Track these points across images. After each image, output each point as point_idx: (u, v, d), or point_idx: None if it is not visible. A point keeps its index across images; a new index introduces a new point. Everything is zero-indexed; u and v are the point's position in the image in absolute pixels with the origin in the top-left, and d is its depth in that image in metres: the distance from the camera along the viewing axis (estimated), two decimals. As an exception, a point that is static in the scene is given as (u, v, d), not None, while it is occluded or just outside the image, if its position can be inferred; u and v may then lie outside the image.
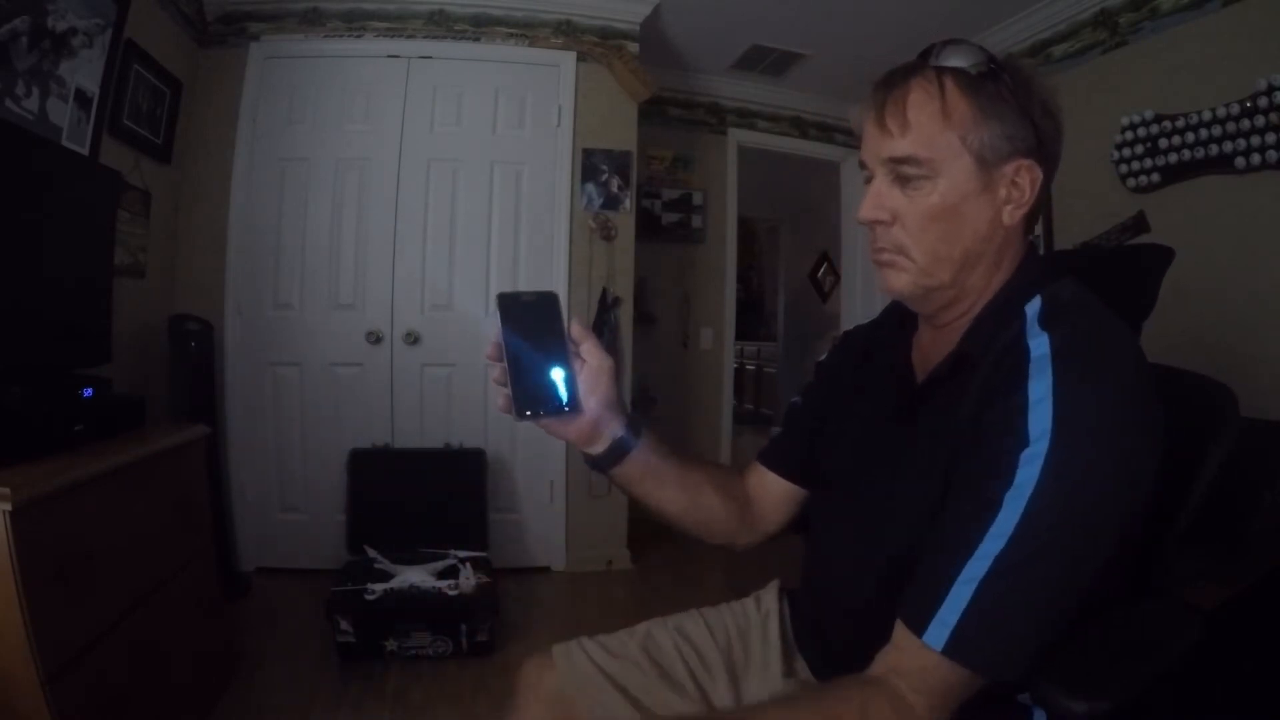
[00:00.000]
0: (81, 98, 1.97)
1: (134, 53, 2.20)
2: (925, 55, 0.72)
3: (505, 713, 0.90)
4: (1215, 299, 2.16)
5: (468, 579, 2.15)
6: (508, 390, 0.65)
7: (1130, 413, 0.59)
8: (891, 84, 0.71)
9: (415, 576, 2.16)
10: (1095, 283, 0.70)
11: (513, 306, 0.66)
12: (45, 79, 1.82)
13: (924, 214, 0.69)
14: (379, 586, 2.08)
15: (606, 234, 2.89)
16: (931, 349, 0.77)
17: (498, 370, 0.66)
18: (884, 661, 0.60)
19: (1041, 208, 0.73)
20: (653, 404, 3.64)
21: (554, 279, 2.84)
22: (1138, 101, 2.41)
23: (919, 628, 0.58)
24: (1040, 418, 0.58)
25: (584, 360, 0.67)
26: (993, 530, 0.57)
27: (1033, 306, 0.67)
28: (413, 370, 2.77)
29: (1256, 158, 2.04)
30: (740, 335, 4.47)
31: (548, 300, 0.67)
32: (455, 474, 2.65)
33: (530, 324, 0.66)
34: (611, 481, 0.80)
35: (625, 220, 2.92)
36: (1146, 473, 0.60)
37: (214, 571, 1.82)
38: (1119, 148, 2.47)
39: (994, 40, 2.93)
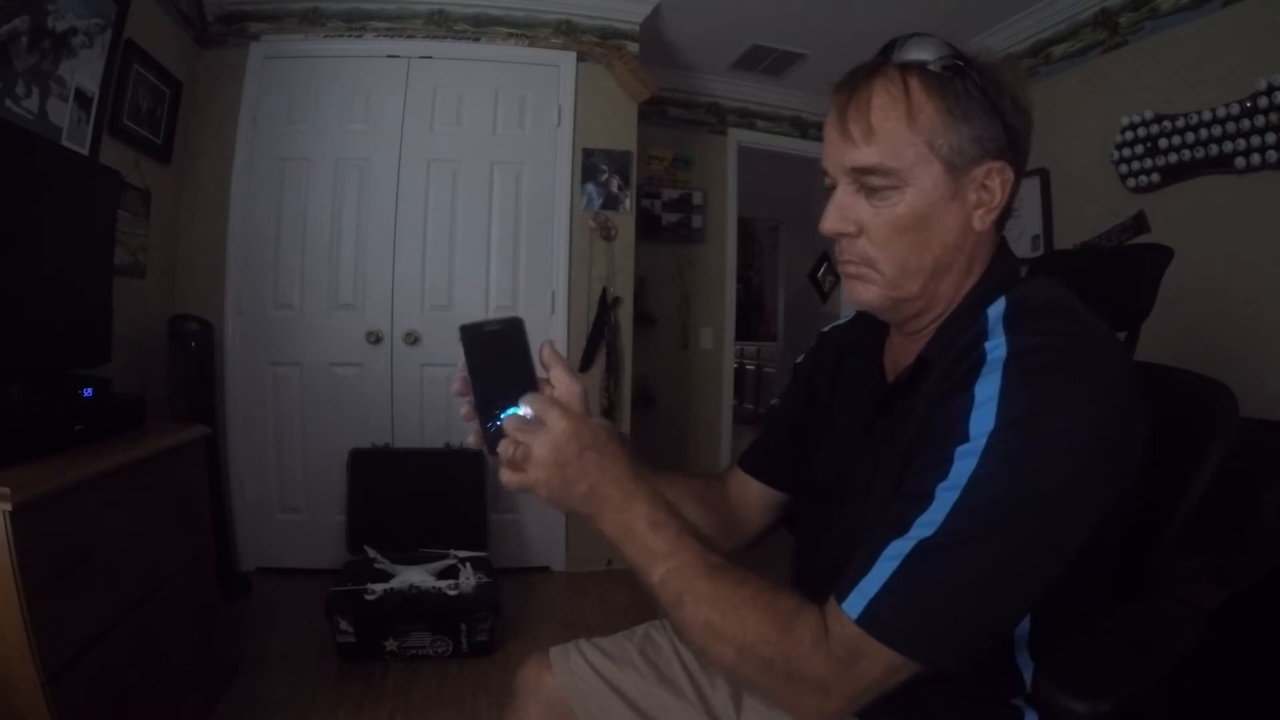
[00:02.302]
0: (81, 98, 1.97)
1: (134, 53, 2.20)
2: (887, 51, 0.68)
3: (504, 713, 0.90)
4: (1215, 299, 2.16)
5: (468, 579, 2.15)
6: (478, 426, 0.63)
7: (1085, 418, 0.57)
8: (853, 85, 0.67)
9: (415, 576, 2.16)
10: (1094, 283, 0.70)
11: (477, 338, 0.63)
12: (45, 79, 1.82)
13: (891, 225, 0.67)
14: (379, 586, 2.08)
15: (606, 234, 2.89)
16: (901, 355, 0.76)
17: (466, 405, 0.64)
18: (825, 607, 0.60)
19: (1011, 206, 0.70)
20: (653, 404, 3.64)
21: (554, 279, 2.84)
22: (1138, 101, 2.41)
23: (841, 595, 0.58)
24: (983, 417, 0.57)
25: (554, 387, 0.65)
26: (922, 519, 0.56)
27: (995, 309, 0.65)
28: (413, 370, 2.77)
29: (1256, 158, 2.04)
30: (740, 335, 4.47)
31: (512, 328, 0.64)
32: (455, 474, 2.65)
33: (496, 354, 0.64)
34: None
35: (625, 220, 2.92)
36: (1102, 480, 0.58)
37: (214, 571, 1.82)
38: (1119, 148, 2.47)
39: (994, 40, 2.93)
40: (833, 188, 0.70)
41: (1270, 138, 2.01)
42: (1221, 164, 2.15)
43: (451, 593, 2.10)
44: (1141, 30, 2.44)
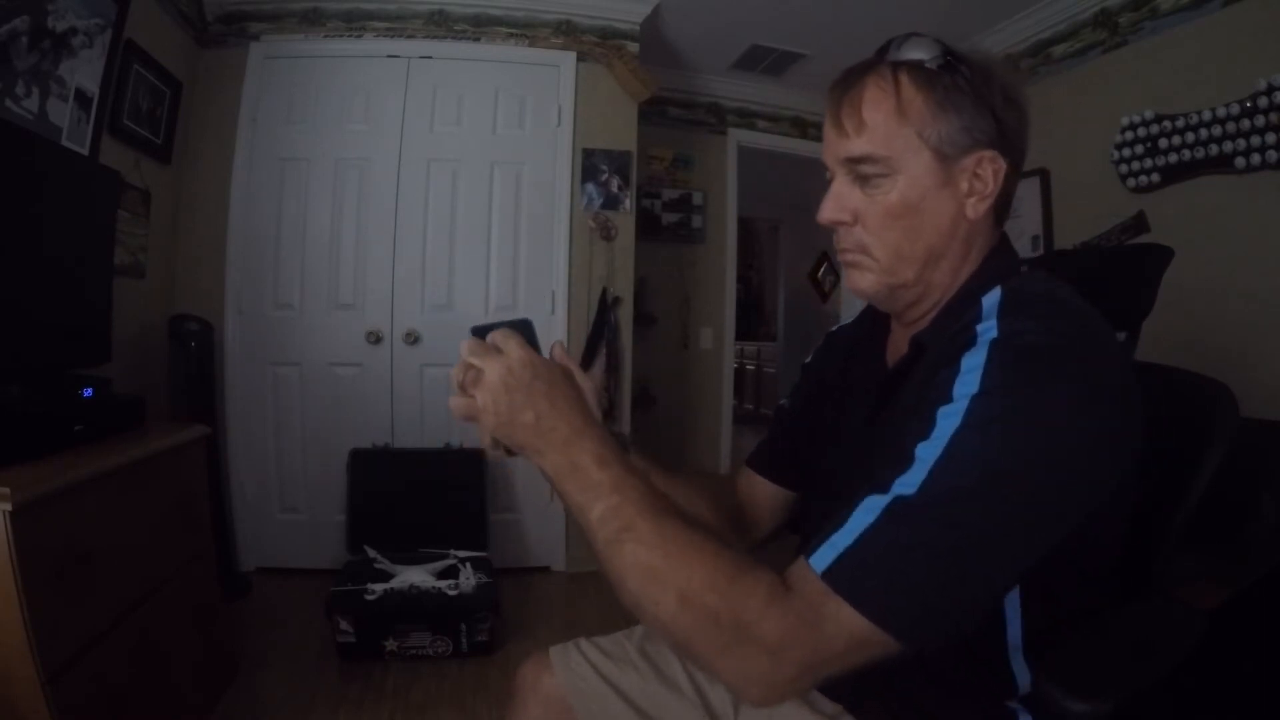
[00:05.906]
0: (81, 98, 1.96)
1: (134, 53, 2.20)
2: (882, 51, 0.71)
3: (504, 713, 0.90)
4: (1215, 299, 2.16)
5: (468, 579, 2.15)
6: None
7: (1070, 410, 0.56)
8: (847, 83, 0.70)
9: (415, 576, 2.16)
10: (1094, 282, 0.70)
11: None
12: (45, 79, 1.82)
13: (884, 212, 0.69)
14: (379, 586, 2.08)
15: (606, 234, 2.89)
16: (902, 346, 0.76)
17: None
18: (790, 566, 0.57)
19: (1010, 199, 0.72)
20: (653, 404, 3.63)
21: (554, 279, 2.84)
22: (1138, 101, 2.41)
23: (810, 551, 0.55)
24: (967, 382, 0.57)
25: None
26: (902, 479, 0.55)
27: (991, 298, 0.65)
28: (413, 370, 2.77)
29: (1256, 158, 2.04)
30: (740, 335, 4.47)
31: (522, 329, 0.66)
32: (455, 474, 2.65)
33: None
34: None
35: (625, 220, 2.93)
36: (1089, 473, 0.57)
37: (214, 571, 1.82)
38: (1119, 148, 2.47)
39: (994, 40, 2.93)
40: (831, 180, 0.73)
41: (1270, 138, 2.01)
42: (1221, 164, 2.15)
43: (451, 593, 2.10)
44: (1141, 30, 2.45)
